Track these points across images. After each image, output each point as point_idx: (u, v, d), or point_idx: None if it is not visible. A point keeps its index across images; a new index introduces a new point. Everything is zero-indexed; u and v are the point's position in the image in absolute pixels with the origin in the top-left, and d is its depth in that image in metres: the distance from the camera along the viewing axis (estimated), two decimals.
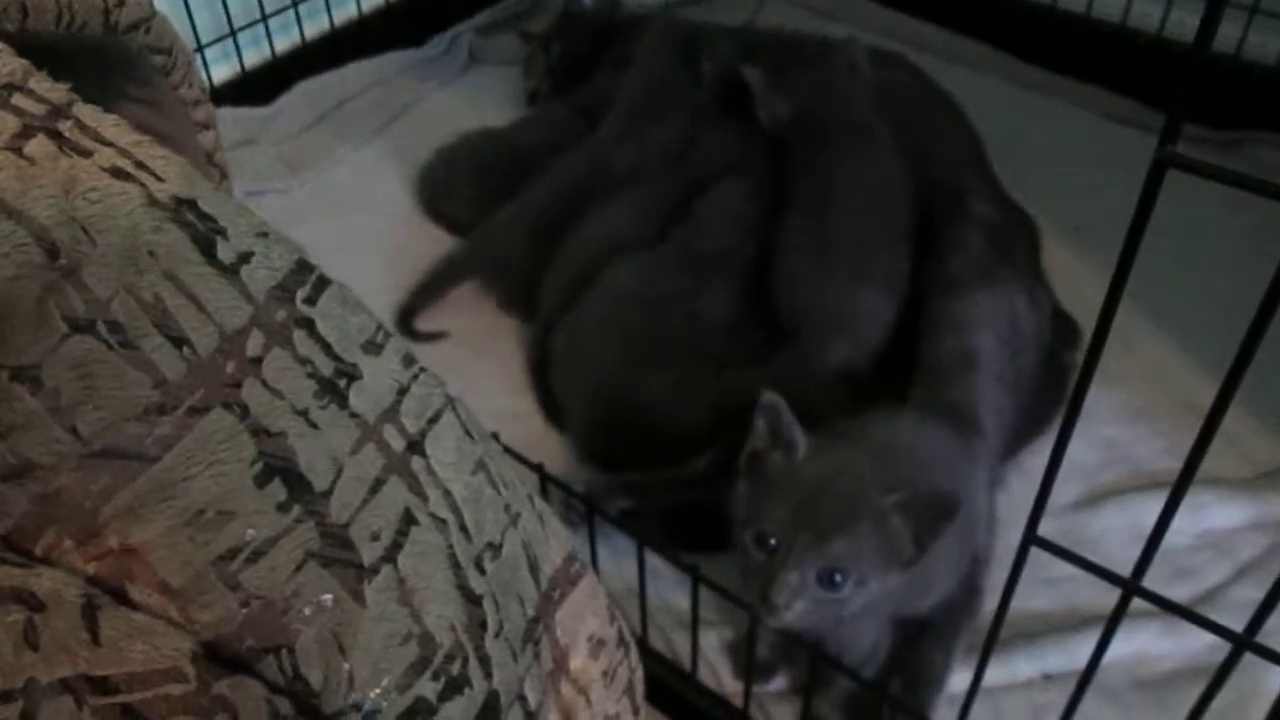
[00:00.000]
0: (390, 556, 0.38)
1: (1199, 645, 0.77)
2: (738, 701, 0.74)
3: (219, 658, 0.34)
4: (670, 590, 0.81)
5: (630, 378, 0.90)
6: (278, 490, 0.36)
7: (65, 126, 0.36)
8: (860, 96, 1.04)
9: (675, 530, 0.82)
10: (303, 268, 0.40)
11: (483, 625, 0.41)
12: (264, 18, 1.32)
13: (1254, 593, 0.81)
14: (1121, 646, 0.75)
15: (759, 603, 0.64)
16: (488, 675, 0.40)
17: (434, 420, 0.42)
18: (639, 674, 0.55)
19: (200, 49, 1.25)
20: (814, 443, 0.68)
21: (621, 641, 0.53)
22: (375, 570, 0.37)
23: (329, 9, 1.39)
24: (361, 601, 0.37)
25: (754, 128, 1.07)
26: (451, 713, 0.38)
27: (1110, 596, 0.49)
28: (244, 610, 0.34)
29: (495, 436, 0.48)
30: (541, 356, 1.00)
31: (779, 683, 0.76)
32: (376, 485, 0.38)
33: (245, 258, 0.38)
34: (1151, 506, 0.86)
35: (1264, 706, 0.70)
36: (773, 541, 0.64)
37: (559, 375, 0.97)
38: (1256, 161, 1.22)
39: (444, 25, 1.52)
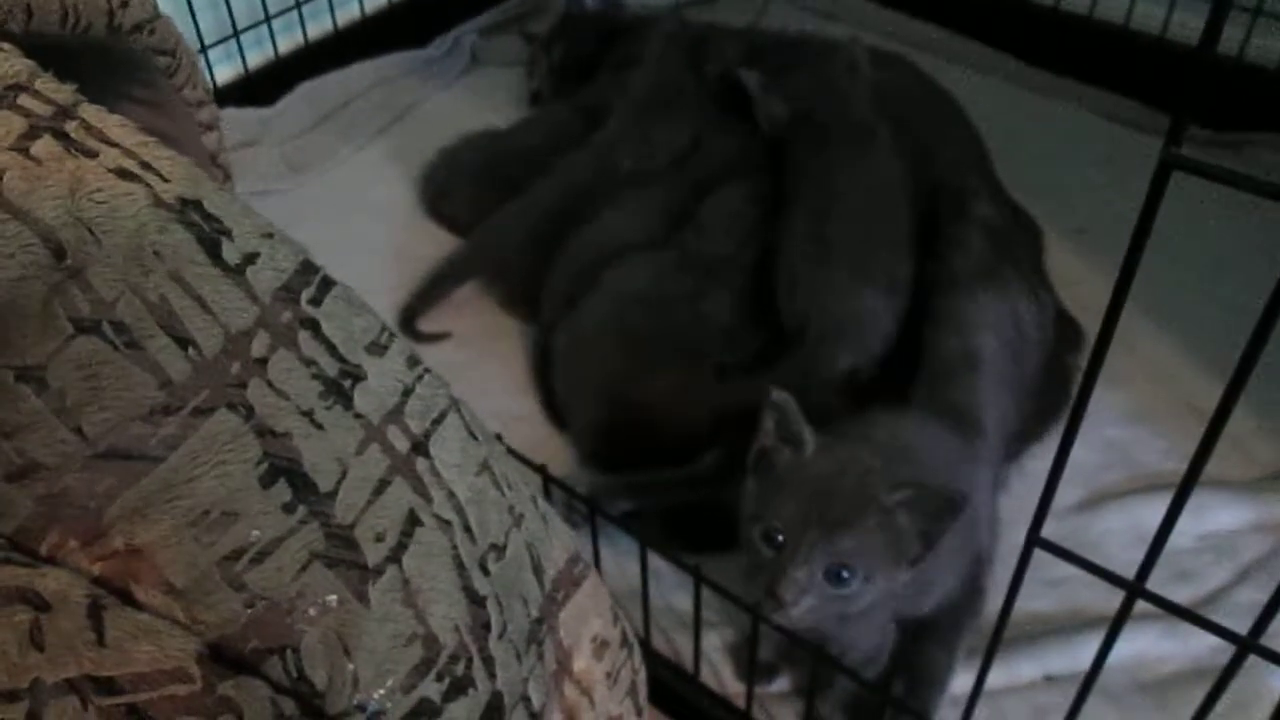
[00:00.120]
0: (395, 557, 0.38)
1: (1201, 647, 0.77)
2: (740, 703, 0.74)
3: (224, 658, 0.34)
4: (672, 591, 0.81)
5: (632, 379, 0.90)
6: (283, 491, 0.36)
7: (71, 127, 0.36)
8: (860, 97, 1.04)
9: (677, 531, 0.82)
10: (308, 269, 0.40)
11: (487, 626, 0.41)
12: (267, 18, 1.32)
13: (1256, 594, 0.81)
14: (1123, 648, 0.74)
15: (766, 598, 0.64)
16: (492, 676, 0.40)
17: (438, 421, 0.42)
18: (642, 675, 0.55)
19: (204, 49, 1.25)
20: (822, 440, 0.68)
21: (625, 642, 0.53)
22: (380, 571, 0.37)
23: (332, 10, 1.39)
24: (366, 602, 0.37)
25: (755, 130, 1.07)
26: (456, 713, 0.38)
27: (1112, 598, 0.49)
28: (249, 611, 0.34)
29: (498, 437, 0.48)
30: (544, 357, 1.00)
31: (781, 684, 0.77)
32: (381, 486, 0.38)
33: (250, 259, 0.38)
34: (1153, 508, 0.86)
35: (1266, 708, 0.70)
36: (781, 538, 0.64)
37: (561, 376, 0.97)
38: (1258, 163, 1.22)
39: (446, 26, 1.52)
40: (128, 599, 0.33)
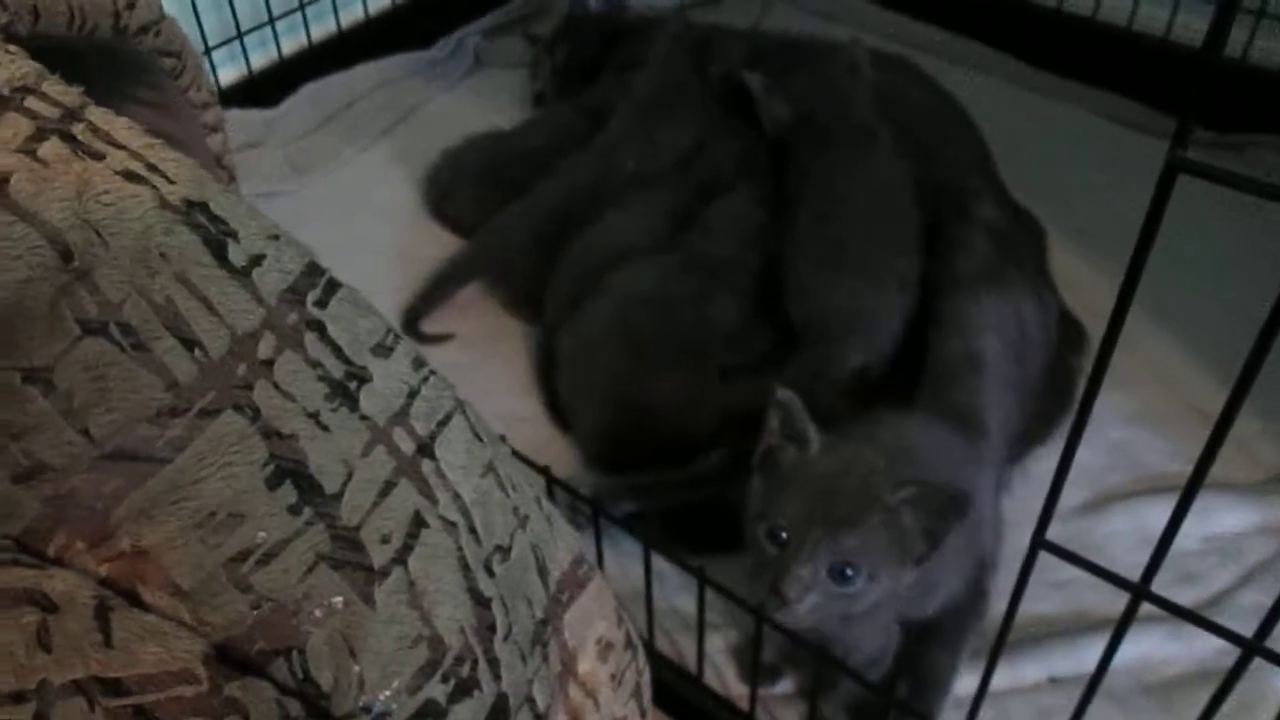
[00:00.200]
0: (400, 559, 0.38)
1: (1206, 650, 0.77)
2: (743, 704, 0.74)
3: (230, 659, 0.34)
4: (676, 593, 0.81)
5: (636, 380, 0.90)
6: (289, 492, 0.36)
7: (78, 129, 0.36)
8: (860, 98, 1.04)
9: (681, 533, 0.82)
10: (313, 270, 0.40)
11: (492, 628, 0.41)
12: (271, 20, 1.32)
13: (1261, 597, 0.81)
14: (1128, 651, 0.74)
15: (770, 596, 0.64)
16: (497, 678, 0.40)
17: (444, 423, 0.42)
18: (646, 676, 0.55)
19: (208, 51, 1.25)
20: (827, 439, 0.68)
21: (629, 644, 0.53)
22: (385, 573, 0.37)
23: (336, 11, 1.39)
24: (372, 604, 0.37)
25: (759, 132, 1.07)
26: (461, 715, 0.39)
27: (1116, 600, 0.49)
28: (255, 612, 0.34)
29: (501, 439, 0.48)
30: (547, 359, 1.00)
31: (785, 685, 0.77)
32: (387, 488, 0.39)
33: (256, 260, 0.38)
34: (1157, 510, 0.86)
35: (1271, 711, 0.70)
36: (785, 535, 0.64)
37: (565, 378, 0.97)
38: (1261, 164, 1.22)
39: (450, 28, 1.52)
40: (134, 600, 0.33)
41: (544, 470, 0.72)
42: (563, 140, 1.19)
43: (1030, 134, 1.26)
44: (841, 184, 0.96)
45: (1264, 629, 0.45)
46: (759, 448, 0.70)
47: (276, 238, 0.39)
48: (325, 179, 1.28)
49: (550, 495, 0.74)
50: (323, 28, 1.40)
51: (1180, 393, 0.96)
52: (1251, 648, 0.46)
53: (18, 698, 0.31)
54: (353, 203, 1.23)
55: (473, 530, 0.41)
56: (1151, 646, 0.78)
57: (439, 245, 1.15)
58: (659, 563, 0.72)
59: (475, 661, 0.39)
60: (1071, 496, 0.88)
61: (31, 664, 0.31)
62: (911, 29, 1.50)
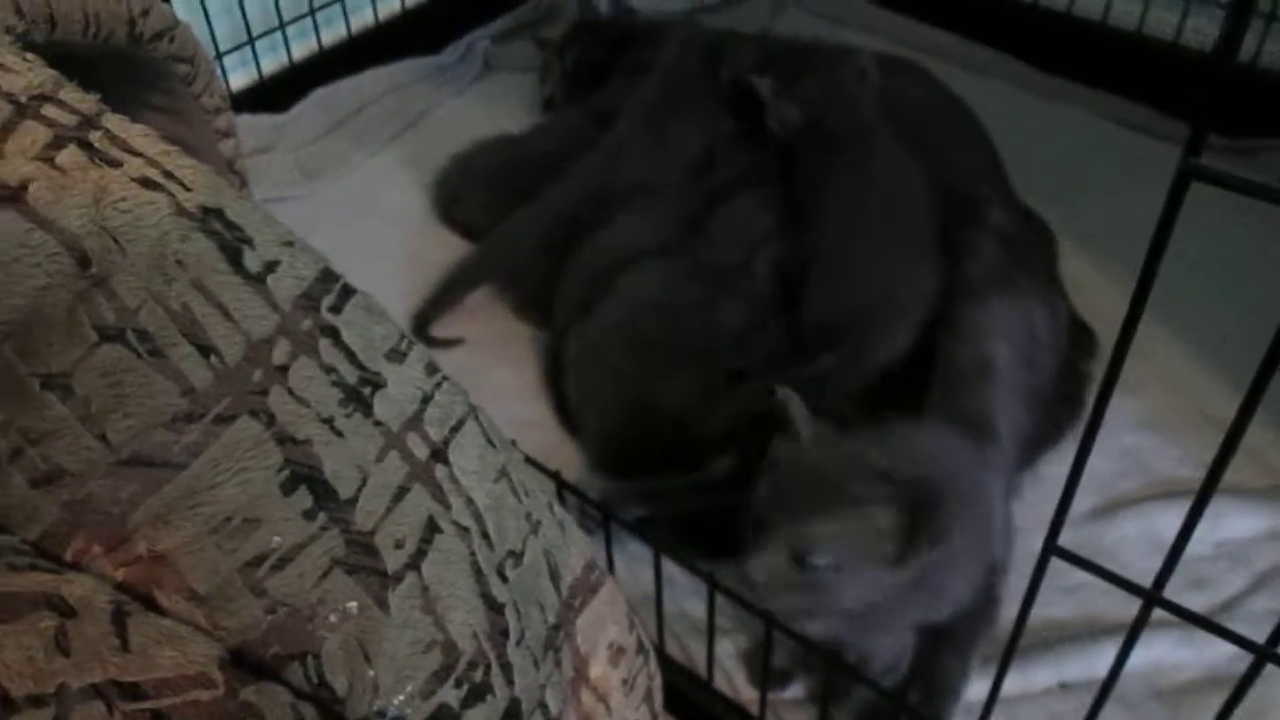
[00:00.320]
0: (414, 564, 0.38)
1: (1217, 655, 0.76)
2: (754, 709, 0.74)
3: (246, 664, 0.34)
4: (686, 597, 0.82)
5: (645, 385, 0.90)
6: (303, 498, 0.36)
7: (95, 137, 0.37)
8: (868, 103, 1.04)
9: (691, 537, 0.82)
10: (328, 276, 0.40)
11: (505, 633, 0.41)
12: (281, 25, 1.33)
13: (1272, 603, 0.81)
14: (1139, 656, 0.74)
15: (742, 582, 0.63)
16: (510, 683, 0.41)
17: (457, 428, 0.42)
18: (658, 681, 0.55)
19: (219, 56, 1.26)
20: (819, 433, 0.68)
21: (641, 649, 0.53)
22: (399, 578, 0.38)
23: (346, 17, 1.40)
24: (386, 609, 0.37)
25: (768, 137, 1.07)
26: None
27: (1127, 605, 0.49)
28: (270, 617, 0.35)
29: (512, 444, 0.49)
30: (556, 363, 1.00)
31: (795, 690, 0.76)
32: (400, 493, 0.39)
33: (271, 267, 0.38)
34: (1168, 516, 0.86)
35: None
36: (759, 522, 0.64)
37: (573, 382, 0.97)
38: (1273, 170, 1.22)
39: (460, 32, 1.52)
40: (151, 605, 0.34)
41: (554, 475, 0.73)
42: (572, 145, 1.19)
43: (1040, 138, 1.26)
44: (856, 185, 0.96)
45: (1276, 635, 0.45)
46: (770, 452, 0.70)
47: (291, 244, 0.39)
48: (335, 184, 1.28)
49: (560, 500, 0.74)
50: (333, 33, 1.40)
51: (1192, 399, 0.96)
52: (1264, 654, 0.46)
53: (37, 701, 0.31)
54: (362, 207, 1.24)
55: (486, 535, 0.41)
56: (1163, 652, 0.77)
57: (448, 250, 1.15)
58: (669, 567, 0.72)
59: (488, 667, 0.40)
60: (1083, 501, 0.88)
61: (50, 668, 0.31)
62: (921, 33, 1.50)
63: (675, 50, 1.17)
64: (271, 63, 1.35)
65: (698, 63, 1.16)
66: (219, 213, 0.38)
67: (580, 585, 0.48)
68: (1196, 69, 1.27)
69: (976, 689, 0.74)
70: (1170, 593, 0.47)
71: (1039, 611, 0.52)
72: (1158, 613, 0.48)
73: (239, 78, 1.32)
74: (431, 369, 0.42)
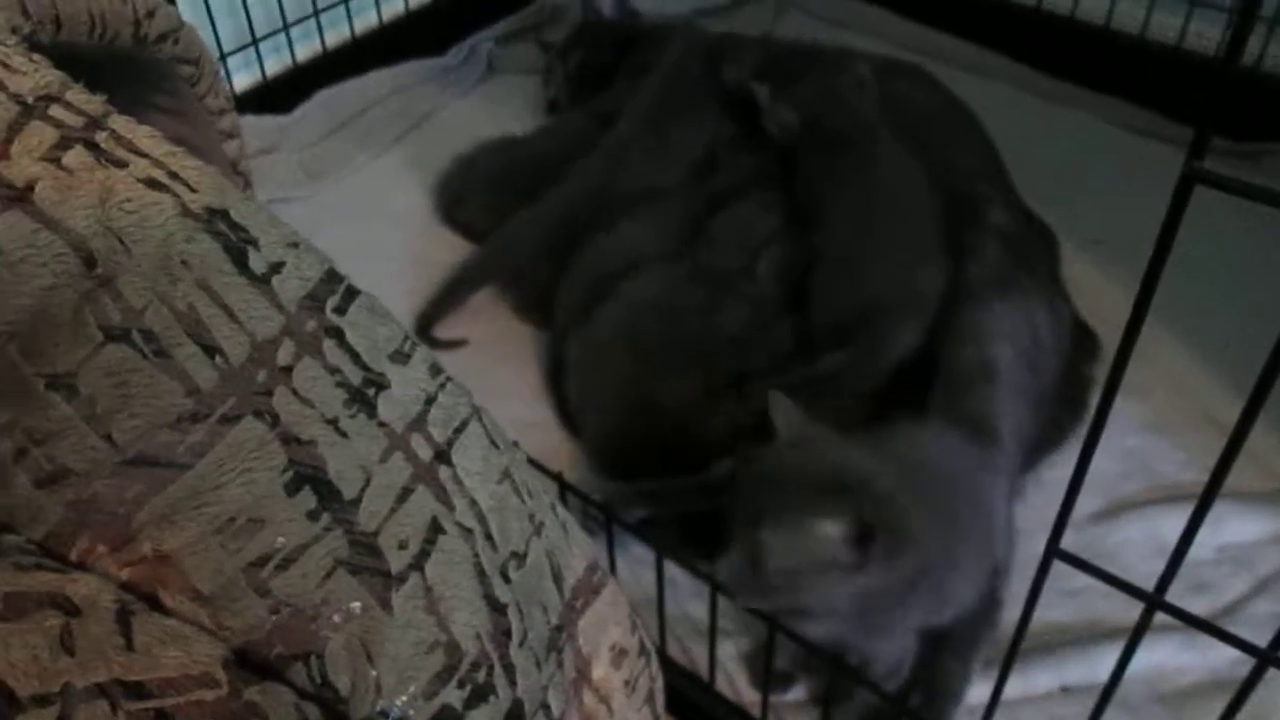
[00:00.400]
0: (418, 565, 0.38)
1: (1219, 659, 0.76)
2: (755, 712, 0.74)
3: (249, 664, 0.34)
4: (688, 599, 0.82)
5: (646, 387, 0.90)
6: (308, 498, 0.36)
7: (101, 138, 0.37)
8: (868, 106, 1.04)
9: (693, 539, 0.82)
10: (332, 277, 0.40)
11: (507, 634, 0.41)
12: (285, 27, 1.33)
13: (1275, 607, 0.81)
14: (1141, 660, 0.74)
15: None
16: (512, 683, 0.41)
17: (460, 430, 0.42)
18: (659, 683, 0.55)
19: (223, 58, 1.26)
20: (797, 437, 0.68)
21: (643, 651, 0.53)
22: (403, 578, 0.38)
23: (350, 18, 1.40)
24: (389, 609, 0.37)
25: (769, 142, 1.07)
26: None
27: (1129, 608, 0.49)
28: (274, 617, 0.35)
29: (515, 445, 0.49)
30: (557, 364, 1.00)
31: (797, 693, 0.77)
32: (404, 494, 0.39)
33: (276, 268, 0.38)
34: (1171, 519, 0.86)
35: None
36: (728, 523, 0.66)
37: (574, 384, 0.97)
38: (1275, 173, 1.22)
39: (463, 34, 1.52)
40: (155, 604, 0.34)
41: (557, 476, 0.73)
42: (575, 147, 1.19)
43: (1042, 141, 1.26)
44: (860, 186, 0.96)
45: (1278, 639, 0.45)
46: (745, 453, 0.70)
47: (296, 245, 0.40)
48: (339, 185, 1.28)
49: (563, 501, 0.74)
50: (337, 34, 1.41)
51: (1195, 402, 0.96)
52: (1266, 658, 0.46)
53: (42, 700, 0.31)
54: (366, 209, 1.24)
55: (489, 536, 0.41)
56: (1165, 656, 0.77)
57: (451, 251, 1.16)
58: (671, 569, 0.72)
59: (491, 667, 0.40)
60: (1085, 504, 0.88)
61: (55, 667, 0.31)
62: (923, 36, 1.50)
63: (677, 52, 1.17)
64: (275, 64, 1.35)
65: (699, 65, 1.16)
66: (224, 214, 0.38)
67: (583, 586, 0.48)
68: (1200, 73, 1.27)
69: (978, 692, 0.74)
70: (1172, 596, 0.47)
71: (1041, 614, 0.52)
72: (1160, 616, 0.48)
73: (243, 79, 1.33)
74: (435, 370, 0.43)
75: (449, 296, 1.08)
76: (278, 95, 1.34)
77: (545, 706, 0.43)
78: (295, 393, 0.37)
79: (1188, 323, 1.00)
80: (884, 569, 0.63)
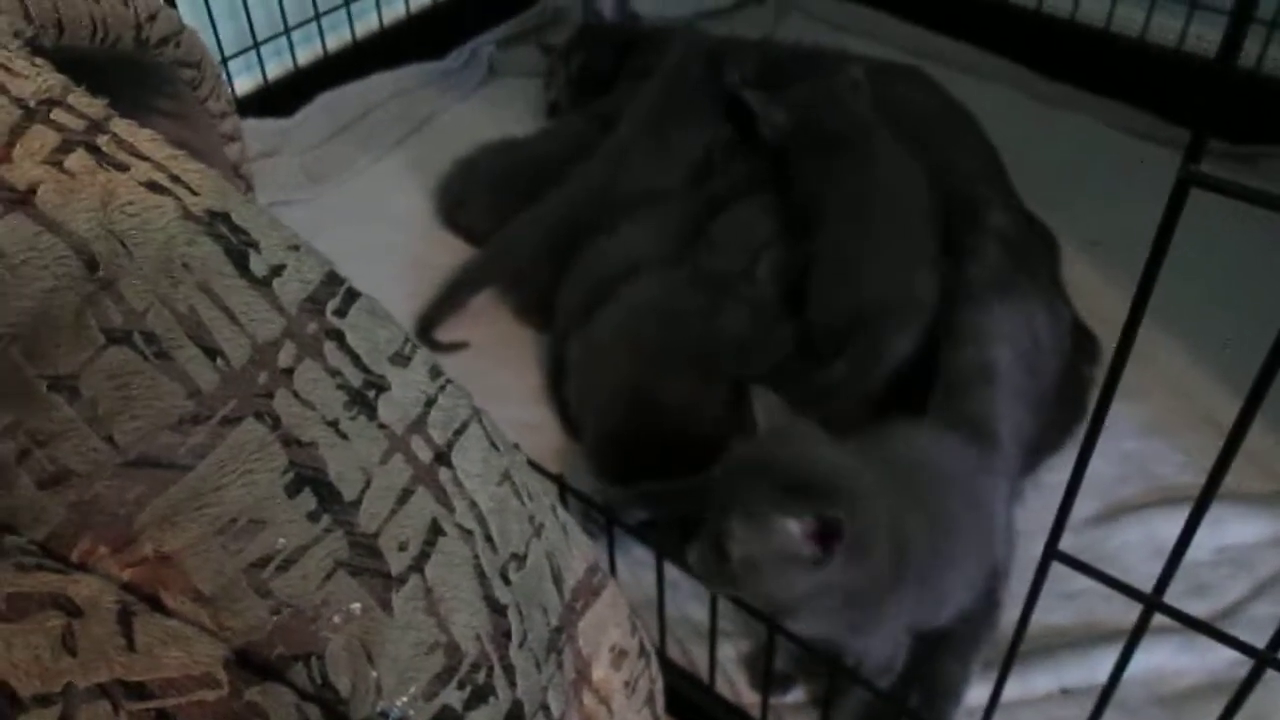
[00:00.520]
0: (418, 566, 0.38)
1: (1218, 661, 0.77)
2: (755, 713, 0.74)
3: (250, 664, 0.34)
4: (688, 601, 0.82)
5: (644, 388, 0.91)
6: (308, 500, 0.36)
7: (103, 141, 0.37)
8: (864, 107, 1.04)
9: (693, 541, 0.82)
10: (333, 280, 0.40)
11: (507, 635, 0.41)
12: (287, 30, 1.33)
13: (1273, 609, 0.81)
14: (1140, 662, 0.74)
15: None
16: (512, 685, 0.41)
17: (460, 432, 0.42)
18: (659, 685, 0.56)
19: (224, 61, 1.26)
20: (768, 433, 0.69)
21: (643, 652, 0.53)
22: (403, 580, 0.38)
23: (351, 21, 1.40)
24: (389, 610, 0.37)
25: (762, 144, 1.08)
26: None
27: (1128, 610, 0.49)
28: (275, 618, 0.35)
29: (515, 447, 0.49)
30: (558, 367, 1.00)
31: (796, 694, 0.77)
32: (404, 496, 0.39)
33: (277, 270, 0.39)
34: (1170, 521, 0.86)
35: None
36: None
37: (575, 387, 0.97)
38: (1274, 177, 1.22)
39: (464, 37, 1.53)
40: (157, 605, 0.34)
41: (558, 478, 0.73)
42: (576, 149, 1.19)
43: (1042, 144, 1.26)
44: (858, 187, 0.97)
45: (1277, 640, 0.45)
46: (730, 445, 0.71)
47: (297, 248, 0.40)
48: (340, 188, 1.29)
49: (563, 503, 0.74)
50: (338, 38, 1.41)
51: (1193, 404, 0.96)
52: (1264, 659, 0.46)
53: (44, 700, 0.31)
54: (367, 211, 1.24)
55: (489, 538, 0.42)
56: (1164, 658, 0.77)
57: (452, 253, 1.16)
58: (671, 571, 0.72)
59: (491, 668, 0.40)
60: (1084, 507, 0.88)
61: (57, 667, 0.32)
62: (923, 39, 1.50)
63: (677, 55, 1.17)
64: (276, 67, 1.35)
65: (700, 68, 1.16)
66: (225, 216, 0.38)
67: (583, 588, 0.48)
68: (1198, 75, 1.27)
69: (977, 694, 0.74)
70: (1171, 598, 0.47)
71: (1040, 617, 0.52)
72: (1159, 618, 0.48)
73: (244, 82, 1.33)
74: (435, 372, 0.43)
75: (450, 299, 1.09)
76: (279, 98, 1.34)
77: (545, 707, 0.43)
78: (296, 395, 0.37)
79: (1186, 325, 1.00)
80: (851, 567, 0.63)
